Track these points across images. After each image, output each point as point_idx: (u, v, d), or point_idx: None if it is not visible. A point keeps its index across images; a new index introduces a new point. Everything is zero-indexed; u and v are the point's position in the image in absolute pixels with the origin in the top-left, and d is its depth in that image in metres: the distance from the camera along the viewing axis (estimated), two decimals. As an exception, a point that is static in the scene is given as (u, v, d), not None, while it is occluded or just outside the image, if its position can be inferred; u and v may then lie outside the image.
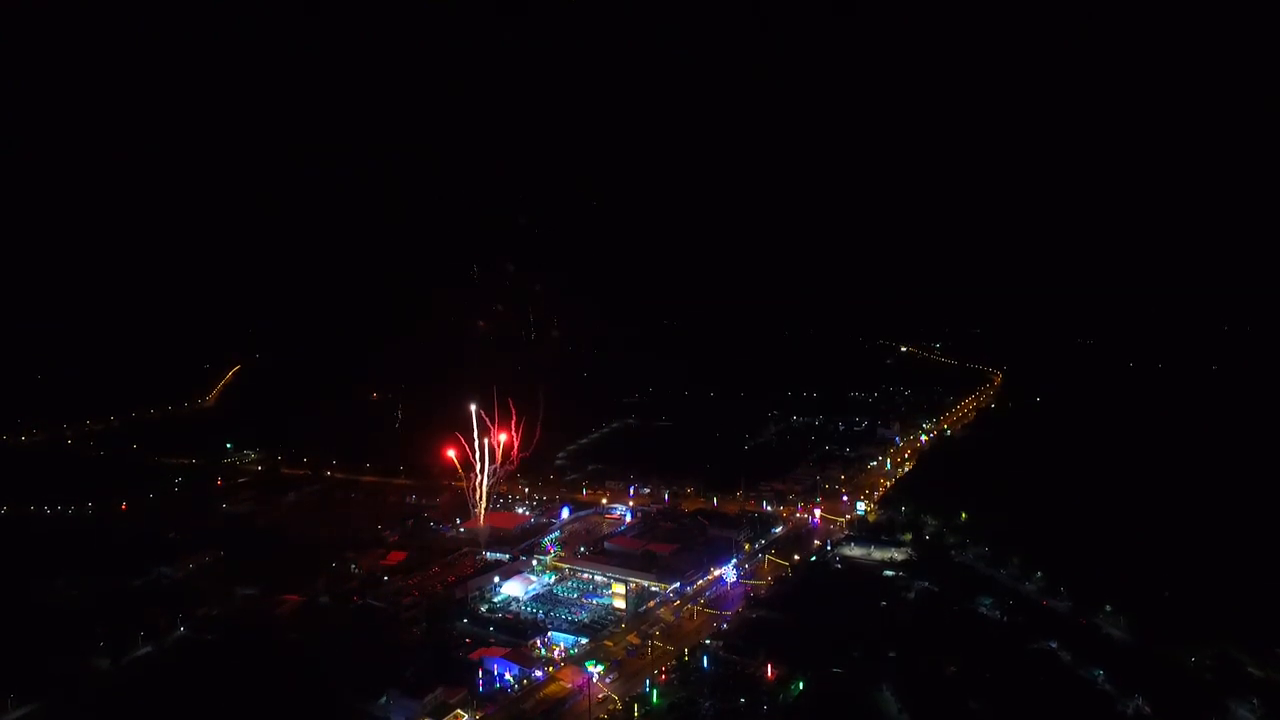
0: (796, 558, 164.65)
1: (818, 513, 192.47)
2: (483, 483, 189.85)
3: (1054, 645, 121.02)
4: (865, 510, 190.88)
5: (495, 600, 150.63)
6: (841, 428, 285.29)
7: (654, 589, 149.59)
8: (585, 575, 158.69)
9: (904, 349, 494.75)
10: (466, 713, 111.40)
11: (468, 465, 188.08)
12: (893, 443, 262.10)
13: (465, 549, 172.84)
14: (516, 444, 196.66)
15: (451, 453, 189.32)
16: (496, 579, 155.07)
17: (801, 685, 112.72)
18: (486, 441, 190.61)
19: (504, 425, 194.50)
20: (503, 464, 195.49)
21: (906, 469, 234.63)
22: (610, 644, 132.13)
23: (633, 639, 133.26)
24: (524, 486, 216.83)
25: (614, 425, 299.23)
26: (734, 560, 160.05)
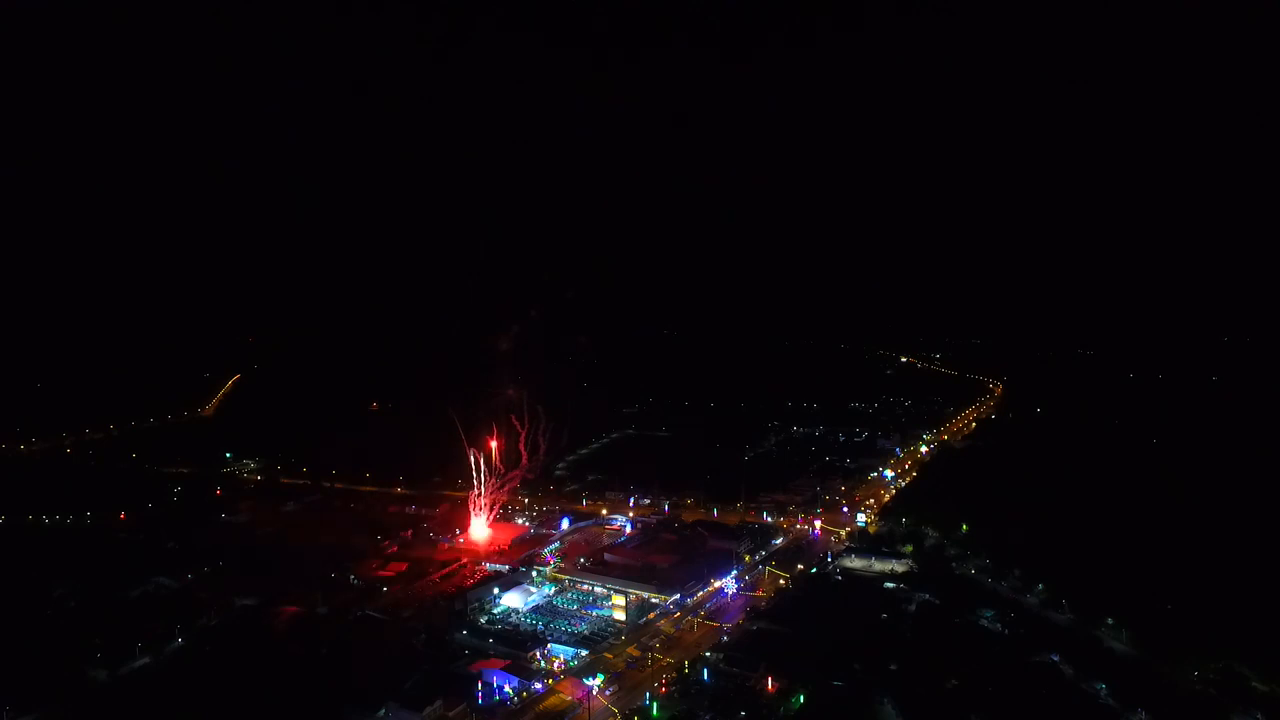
0: (798, 569, 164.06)
1: (818, 524, 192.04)
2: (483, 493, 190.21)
3: (1056, 658, 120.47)
4: (866, 521, 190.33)
5: (495, 612, 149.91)
6: (842, 438, 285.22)
7: (654, 601, 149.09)
8: (585, 587, 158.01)
9: (904, 359, 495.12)
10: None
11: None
12: (893, 453, 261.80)
13: (464, 560, 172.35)
14: (543, 448, 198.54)
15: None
16: (496, 590, 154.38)
17: (802, 698, 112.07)
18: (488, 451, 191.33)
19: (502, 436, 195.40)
20: (522, 470, 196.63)
21: (907, 480, 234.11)
22: (610, 656, 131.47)
23: (633, 651, 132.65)
24: (524, 497, 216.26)
25: (614, 436, 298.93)
26: (734, 572, 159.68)
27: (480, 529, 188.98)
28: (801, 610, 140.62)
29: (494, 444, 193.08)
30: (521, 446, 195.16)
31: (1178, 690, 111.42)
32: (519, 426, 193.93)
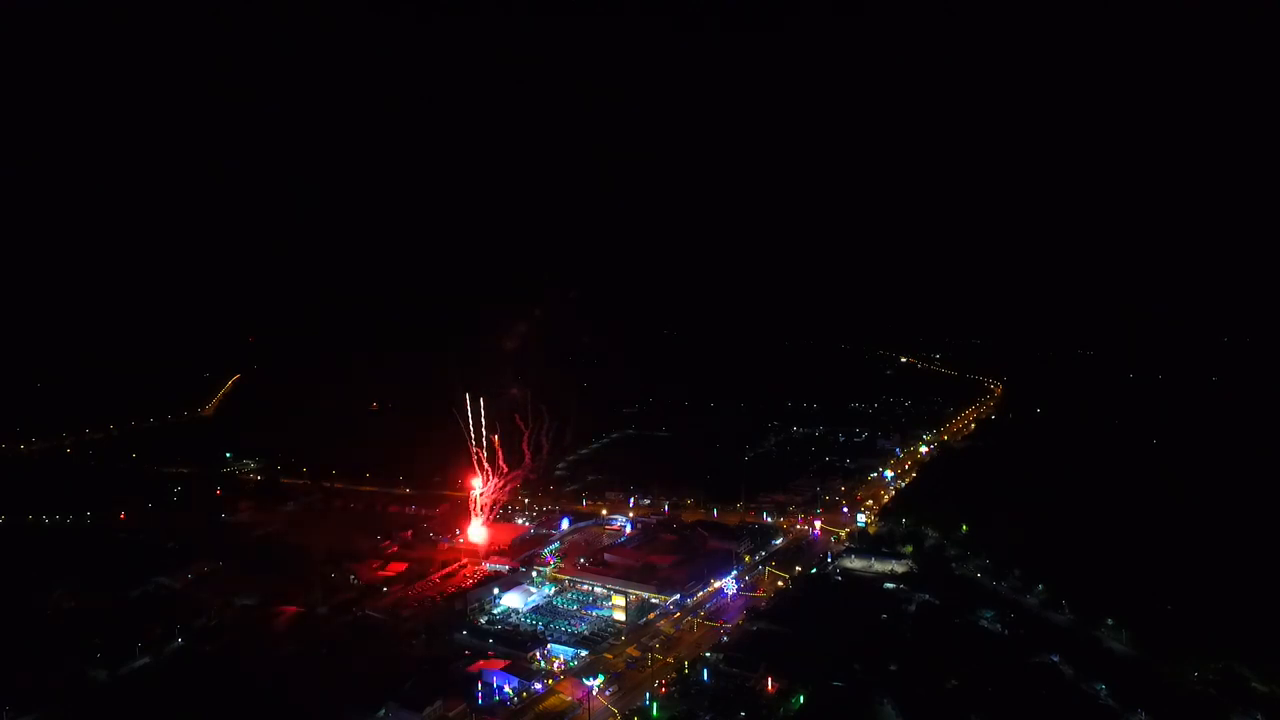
0: (797, 569, 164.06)
1: (818, 524, 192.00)
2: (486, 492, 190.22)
3: (1056, 659, 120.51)
4: (865, 522, 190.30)
5: (495, 612, 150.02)
6: (841, 439, 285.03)
7: (654, 601, 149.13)
8: (585, 587, 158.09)
9: (904, 359, 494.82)
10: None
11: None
12: (893, 454, 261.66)
13: (464, 560, 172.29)
14: (547, 448, 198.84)
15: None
16: (496, 590, 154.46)
17: (802, 699, 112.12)
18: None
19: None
20: (526, 470, 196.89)
21: (907, 480, 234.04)
22: (610, 656, 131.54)
23: (632, 651, 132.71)
24: (524, 497, 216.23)
25: (614, 436, 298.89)
26: (734, 572, 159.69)
27: (480, 529, 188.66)
28: (801, 611, 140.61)
29: (496, 439, 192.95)
30: (525, 446, 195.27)
31: (1178, 690, 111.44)
32: (523, 426, 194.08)
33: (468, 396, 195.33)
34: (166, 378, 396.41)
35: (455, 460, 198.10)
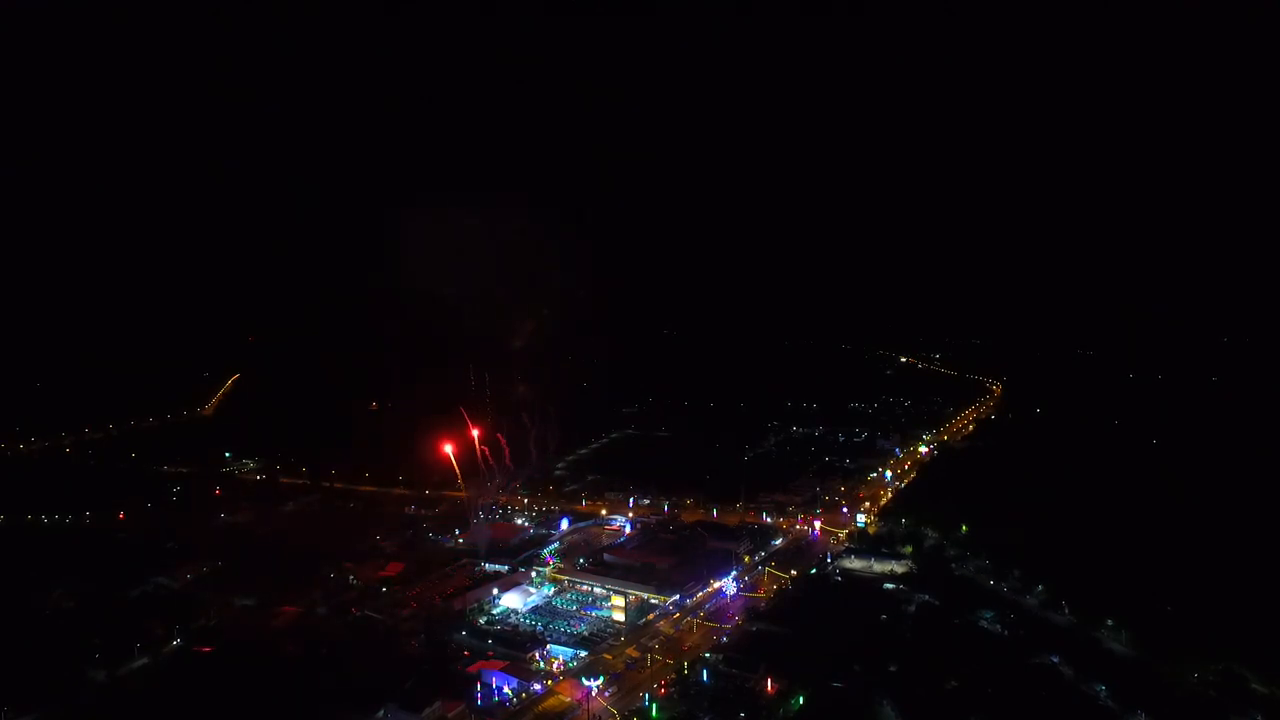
0: (793, 572, 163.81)
1: (817, 525, 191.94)
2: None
3: (1056, 659, 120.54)
4: (865, 522, 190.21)
5: (494, 612, 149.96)
6: (841, 439, 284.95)
7: (653, 601, 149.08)
8: (584, 587, 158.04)
9: (904, 359, 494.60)
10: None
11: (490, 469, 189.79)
12: (893, 454, 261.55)
13: (464, 560, 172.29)
14: (552, 447, 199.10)
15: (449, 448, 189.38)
16: (495, 591, 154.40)
17: (801, 699, 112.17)
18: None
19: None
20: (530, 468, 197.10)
21: (906, 481, 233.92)
22: (609, 657, 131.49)
23: (632, 652, 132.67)
24: (523, 497, 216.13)
25: (613, 436, 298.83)
26: (734, 572, 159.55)
27: (480, 529, 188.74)
28: (801, 611, 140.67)
29: (500, 439, 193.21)
30: (530, 445, 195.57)
31: (1178, 691, 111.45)
32: (528, 424, 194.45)
33: (472, 392, 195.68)
34: (166, 378, 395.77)
35: (457, 459, 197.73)
